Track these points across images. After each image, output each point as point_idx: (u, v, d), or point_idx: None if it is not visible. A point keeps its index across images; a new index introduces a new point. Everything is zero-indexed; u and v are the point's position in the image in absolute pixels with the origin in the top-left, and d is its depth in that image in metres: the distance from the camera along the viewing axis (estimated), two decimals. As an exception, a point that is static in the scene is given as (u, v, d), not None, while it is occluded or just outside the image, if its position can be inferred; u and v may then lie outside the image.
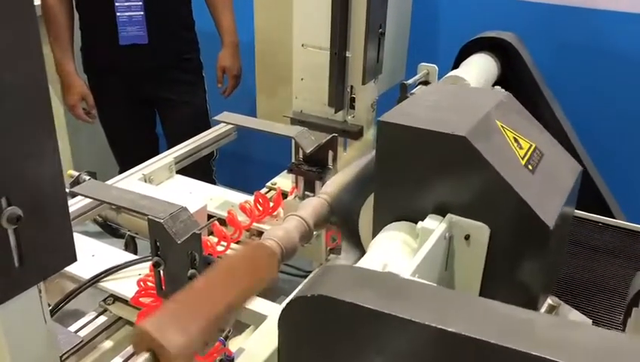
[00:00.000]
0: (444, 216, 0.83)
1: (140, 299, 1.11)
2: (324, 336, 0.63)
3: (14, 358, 0.73)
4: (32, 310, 0.74)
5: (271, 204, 1.42)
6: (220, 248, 1.23)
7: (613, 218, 1.48)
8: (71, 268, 1.11)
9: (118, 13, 2.03)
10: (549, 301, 0.74)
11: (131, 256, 1.25)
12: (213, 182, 2.21)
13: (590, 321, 1.01)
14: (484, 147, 0.78)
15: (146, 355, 0.62)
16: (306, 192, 1.43)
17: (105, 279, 1.18)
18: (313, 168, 1.40)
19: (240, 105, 2.07)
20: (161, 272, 1.02)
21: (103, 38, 2.09)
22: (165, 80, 2.20)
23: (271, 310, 1.08)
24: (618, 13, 2.06)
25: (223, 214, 1.37)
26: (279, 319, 0.65)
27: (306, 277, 1.24)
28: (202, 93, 2.33)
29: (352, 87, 1.65)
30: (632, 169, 2.19)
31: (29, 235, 0.67)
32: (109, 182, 1.47)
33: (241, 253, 0.84)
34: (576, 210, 1.30)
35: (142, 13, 2.04)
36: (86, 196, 1.20)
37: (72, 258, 0.76)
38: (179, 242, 0.96)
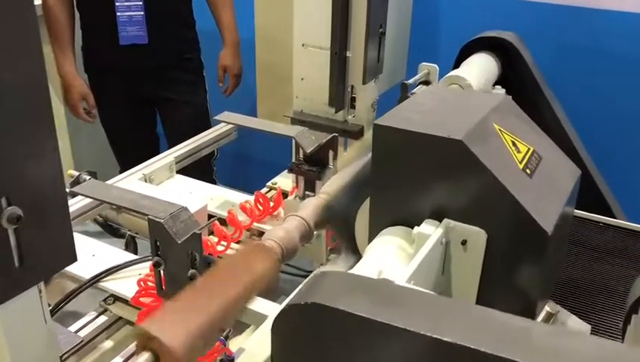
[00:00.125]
0: (440, 221, 0.82)
1: (141, 299, 1.11)
2: (317, 344, 0.62)
3: (14, 358, 0.73)
4: (32, 310, 0.74)
5: (271, 204, 1.42)
6: (220, 248, 1.23)
7: (614, 218, 1.48)
8: (71, 268, 1.11)
9: (118, 13, 2.03)
10: (547, 308, 0.73)
11: (131, 256, 1.25)
12: (213, 182, 2.22)
13: (589, 327, 1.00)
14: (481, 151, 0.77)
15: (146, 355, 0.62)
16: (307, 192, 1.43)
17: (105, 279, 1.18)
18: (314, 168, 1.40)
19: (240, 104, 2.07)
20: (162, 272, 1.02)
21: (104, 38, 2.09)
22: (166, 80, 2.20)
23: (271, 310, 1.07)
24: (619, 13, 2.06)
25: (224, 214, 1.37)
26: (272, 326, 0.64)
27: (306, 277, 1.24)
28: (203, 92, 2.33)
29: (352, 86, 1.65)
30: (633, 169, 2.19)
31: (29, 235, 0.67)
32: (109, 182, 1.46)
33: (242, 253, 0.84)
34: (576, 210, 1.30)
35: (142, 13, 2.04)
36: (86, 196, 1.20)
37: (73, 258, 0.75)
38: (179, 242, 0.96)
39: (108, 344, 1.14)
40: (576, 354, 0.52)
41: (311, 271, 1.22)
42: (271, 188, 1.59)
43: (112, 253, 1.27)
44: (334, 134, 1.44)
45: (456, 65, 1.72)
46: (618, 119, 2.17)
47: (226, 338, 1.04)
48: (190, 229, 0.97)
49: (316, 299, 0.60)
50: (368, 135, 1.68)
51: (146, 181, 1.54)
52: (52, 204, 0.70)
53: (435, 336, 0.53)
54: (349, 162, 1.03)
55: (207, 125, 2.06)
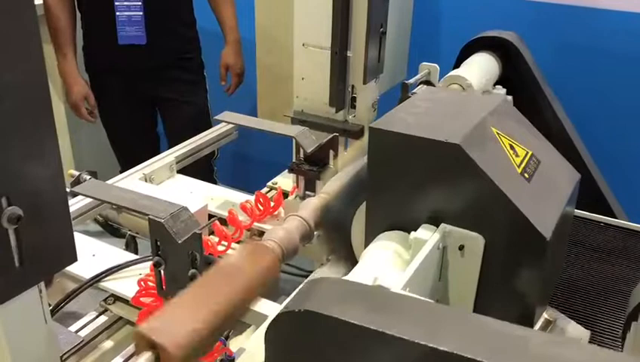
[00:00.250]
0: (437, 226, 0.81)
1: (141, 299, 1.11)
2: (310, 352, 0.61)
3: (15, 358, 0.73)
4: (32, 310, 0.74)
5: (272, 204, 1.42)
6: (220, 248, 1.23)
7: (615, 218, 1.47)
8: (71, 268, 1.11)
9: (117, 13, 2.03)
10: (546, 315, 0.72)
11: (132, 256, 1.25)
12: (214, 182, 2.22)
13: (589, 333, 0.99)
14: (479, 155, 0.76)
15: (146, 355, 0.62)
16: (307, 192, 1.43)
17: (105, 279, 1.18)
18: (314, 168, 1.40)
19: (241, 104, 2.07)
20: (162, 272, 1.02)
21: (103, 38, 2.10)
22: (166, 79, 2.20)
23: (271, 310, 1.07)
24: (619, 13, 2.06)
25: (224, 214, 1.37)
26: (266, 334, 0.64)
27: (306, 276, 1.24)
28: (203, 92, 2.33)
29: (352, 86, 1.65)
30: (634, 168, 2.19)
31: (30, 235, 0.67)
32: (109, 182, 1.46)
33: (242, 253, 0.84)
34: (577, 210, 1.30)
35: (141, 13, 2.04)
36: (87, 196, 1.20)
37: (73, 258, 0.75)
38: (179, 242, 0.96)
39: (108, 344, 1.14)
40: (573, 363, 0.51)
41: (311, 271, 1.23)
42: (271, 188, 1.59)
43: (112, 252, 1.27)
44: (335, 134, 1.44)
45: (457, 65, 1.71)
46: (619, 118, 2.17)
47: (227, 338, 1.04)
48: (190, 229, 0.97)
49: (310, 307, 0.59)
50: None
51: (146, 181, 1.54)
52: (52, 204, 0.70)
53: (430, 345, 0.53)
54: (349, 162, 1.02)
55: (207, 125, 2.06)
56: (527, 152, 0.87)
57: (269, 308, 1.08)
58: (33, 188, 0.67)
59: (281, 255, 0.90)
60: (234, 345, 1.05)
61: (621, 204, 1.72)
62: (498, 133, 0.86)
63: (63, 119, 2.51)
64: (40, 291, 0.74)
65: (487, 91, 1.69)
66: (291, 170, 1.44)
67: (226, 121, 1.66)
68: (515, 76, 1.74)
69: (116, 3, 2.02)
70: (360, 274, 0.80)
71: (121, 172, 1.61)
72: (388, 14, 1.62)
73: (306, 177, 1.42)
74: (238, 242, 1.29)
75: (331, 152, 1.40)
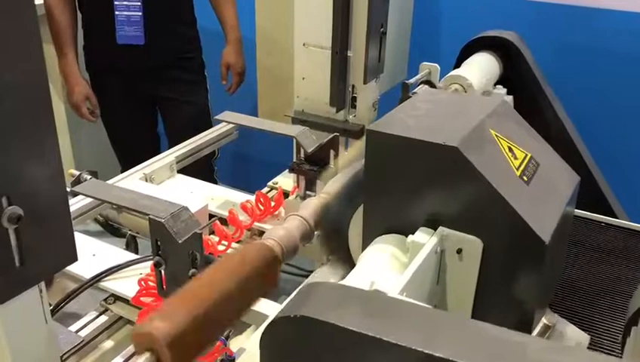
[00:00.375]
0: (435, 229, 0.80)
1: (141, 299, 1.11)
2: (306, 358, 0.61)
3: (15, 358, 0.73)
4: (32, 309, 0.74)
5: (272, 204, 1.42)
6: (221, 247, 1.23)
7: (616, 218, 1.47)
8: (72, 268, 1.11)
9: (116, 12, 2.03)
10: (545, 320, 0.71)
11: (132, 256, 1.25)
12: (214, 182, 2.22)
13: (588, 337, 0.98)
14: (477, 158, 0.75)
15: (146, 355, 0.62)
16: (308, 192, 1.42)
17: (106, 278, 1.18)
18: (314, 168, 1.40)
19: (241, 104, 2.07)
20: (162, 272, 1.02)
21: (103, 37, 2.10)
22: (165, 79, 2.20)
23: (272, 310, 1.07)
24: (620, 13, 2.05)
25: (224, 213, 1.37)
26: (261, 339, 0.63)
27: (307, 276, 1.24)
28: (204, 92, 2.33)
29: (353, 86, 1.65)
30: (634, 168, 2.18)
31: (30, 235, 0.67)
32: (110, 182, 1.46)
33: (242, 252, 0.84)
34: (578, 210, 1.30)
35: (140, 13, 2.04)
36: (87, 195, 1.20)
37: (73, 257, 0.75)
38: (180, 242, 0.96)
39: (108, 344, 1.14)
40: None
41: (311, 271, 1.23)
42: (272, 188, 1.59)
43: (112, 252, 1.27)
44: (335, 134, 1.44)
45: (458, 65, 1.71)
46: (619, 118, 2.17)
47: (227, 338, 1.04)
48: (191, 229, 0.97)
49: (306, 312, 0.58)
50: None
51: (146, 180, 1.54)
52: (52, 204, 0.70)
53: (427, 352, 0.52)
54: (349, 162, 1.02)
55: (208, 125, 2.06)
56: (526, 155, 0.86)
57: (269, 308, 1.08)
58: (33, 187, 0.67)
59: (281, 254, 0.90)
60: (234, 344, 1.05)
61: (622, 204, 1.72)
62: (497, 136, 0.85)
63: (63, 119, 2.51)
64: (40, 291, 0.74)
65: (488, 91, 1.69)
66: (292, 170, 1.44)
67: (226, 121, 1.66)
68: (515, 76, 1.74)
69: (115, 3, 2.02)
70: (357, 279, 0.79)
71: (121, 172, 1.61)
72: (388, 14, 1.62)
73: (306, 177, 1.42)
74: (238, 242, 1.29)
75: (332, 152, 1.40)
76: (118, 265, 1.19)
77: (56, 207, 0.71)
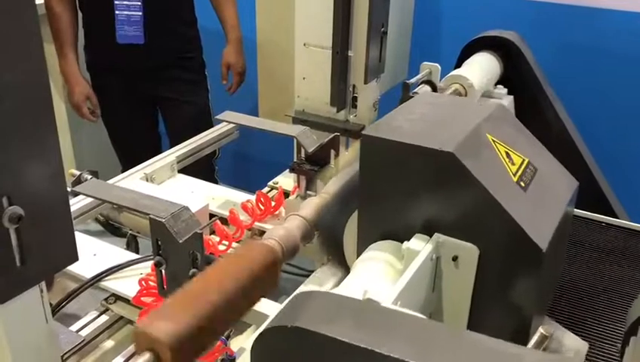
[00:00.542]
0: (431, 236, 0.79)
1: (142, 299, 1.11)
2: None
3: (15, 357, 0.73)
4: (33, 309, 0.74)
5: (272, 204, 1.42)
6: (221, 247, 1.23)
7: (616, 218, 1.47)
8: (72, 268, 1.11)
9: (116, 12, 2.03)
10: (542, 330, 0.70)
11: (133, 256, 1.25)
12: (215, 182, 2.21)
13: (587, 344, 0.97)
14: (473, 163, 0.74)
15: (147, 355, 0.62)
16: (308, 191, 1.42)
17: (106, 278, 1.18)
18: (315, 167, 1.40)
19: (242, 104, 2.07)
20: (163, 272, 1.02)
21: (103, 37, 2.10)
22: (166, 79, 2.20)
23: (272, 309, 1.07)
24: (621, 13, 2.05)
25: (225, 213, 1.37)
26: (252, 349, 0.62)
27: (307, 276, 1.24)
28: (204, 92, 2.33)
29: (354, 86, 1.65)
30: (635, 168, 2.18)
31: (31, 235, 0.67)
32: (110, 181, 1.46)
33: (242, 252, 0.84)
34: (578, 210, 1.30)
35: (140, 13, 2.04)
36: (87, 195, 1.20)
37: (74, 257, 0.75)
38: (180, 241, 0.96)
39: (109, 343, 1.14)
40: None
41: (312, 271, 1.23)
42: (272, 188, 1.59)
43: (113, 252, 1.27)
44: (336, 134, 1.44)
45: (458, 65, 1.71)
46: (620, 118, 2.17)
47: (227, 337, 1.04)
48: (191, 229, 0.97)
49: (297, 323, 0.58)
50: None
51: (147, 180, 1.54)
52: (53, 204, 0.70)
53: None
54: (349, 163, 1.02)
55: (208, 124, 2.06)
56: (524, 160, 0.85)
57: (269, 308, 1.08)
58: (34, 187, 0.67)
59: (281, 254, 0.90)
60: (235, 344, 1.05)
61: (622, 204, 1.72)
62: (494, 140, 0.84)
63: (64, 118, 2.51)
64: (41, 291, 0.74)
65: (489, 91, 1.69)
66: (292, 170, 1.44)
67: (227, 121, 1.66)
68: (516, 76, 1.74)
69: (116, 2, 2.02)
70: (350, 287, 0.78)
71: (122, 171, 1.61)
72: (389, 14, 1.62)
73: (307, 177, 1.42)
74: (238, 241, 1.29)
75: (332, 152, 1.40)
76: (119, 265, 1.19)
77: (57, 207, 0.71)
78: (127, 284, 1.16)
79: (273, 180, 1.61)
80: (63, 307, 1.13)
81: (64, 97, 2.32)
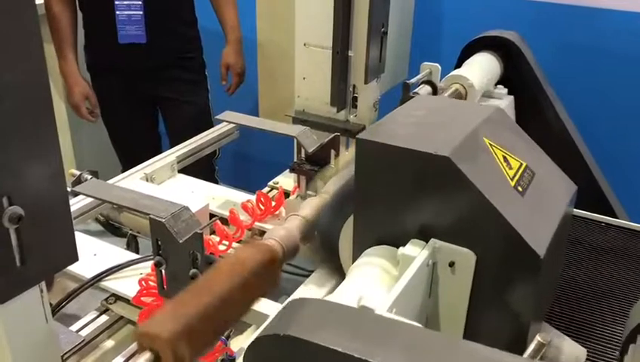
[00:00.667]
0: (427, 241, 0.78)
1: (142, 299, 1.11)
2: None
3: (15, 358, 0.73)
4: (33, 309, 0.74)
5: (273, 204, 1.42)
6: (221, 247, 1.23)
7: (616, 218, 1.47)
8: (72, 268, 1.11)
9: (117, 12, 2.03)
10: (539, 338, 0.69)
11: (133, 256, 1.25)
12: (215, 182, 2.21)
13: (585, 351, 0.96)
14: (469, 168, 0.73)
15: (147, 355, 0.62)
16: (308, 191, 1.42)
17: (106, 278, 1.17)
18: (315, 167, 1.40)
19: (242, 104, 2.07)
20: (163, 272, 1.02)
21: (104, 37, 2.10)
22: (166, 79, 2.20)
23: (272, 309, 1.07)
24: (621, 13, 2.05)
25: (225, 213, 1.37)
26: (244, 356, 0.62)
27: (307, 276, 1.24)
28: (205, 92, 2.33)
29: (354, 86, 1.65)
30: (635, 168, 2.18)
31: (31, 235, 0.67)
32: (110, 181, 1.46)
33: (243, 252, 0.84)
34: (578, 210, 1.30)
35: (141, 12, 2.04)
36: (88, 195, 1.20)
37: (74, 257, 0.75)
38: (180, 241, 0.95)
39: (109, 343, 1.14)
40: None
41: (312, 271, 1.22)
42: (272, 188, 1.59)
43: (113, 252, 1.27)
44: (336, 134, 1.44)
45: (459, 65, 1.71)
46: (620, 118, 2.17)
47: (228, 337, 1.03)
48: (191, 229, 0.97)
49: (290, 331, 0.57)
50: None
51: (147, 180, 1.54)
52: (53, 204, 0.70)
53: None
54: (349, 162, 1.02)
55: (208, 124, 2.06)
56: (522, 164, 0.84)
57: (269, 308, 1.08)
58: (34, 187, 0.67)
59: (282, 254, 0.90)
60: (235, 344, 1.05)
61: (623, 204, 1.72)
62: (491, 144, 0.83)
63: (64, 118, 2.51)
64: (41, 291, 0.74)
65: (489, 91, 1.69)
66: (292, 170, 1.44)
67: (227, 121, 1.66)
68: (516, 76, 1.74)
69: (116, 2, 2.02)
70: (345, 294, 0.77)
71: (122, 171, 1.61)
72: (389, 14, 1.61)
73: (307, 177, 1.42)
74: (239, 242, 1.29)
75: (332, 152, 1.40)
76: (119, 265, 1.19)
77: (57, 207, 0.71)
78: (127, 284, 1.16)
79: (273, 180, 1.61)
80: (63, 307, 1.12)
81: (64, 97, 2.32)
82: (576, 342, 0.99)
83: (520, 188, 0.79)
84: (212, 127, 1.86)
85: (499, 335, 0.77)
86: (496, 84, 1.72)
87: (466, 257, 0.76)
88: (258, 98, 2.35)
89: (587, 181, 1.68)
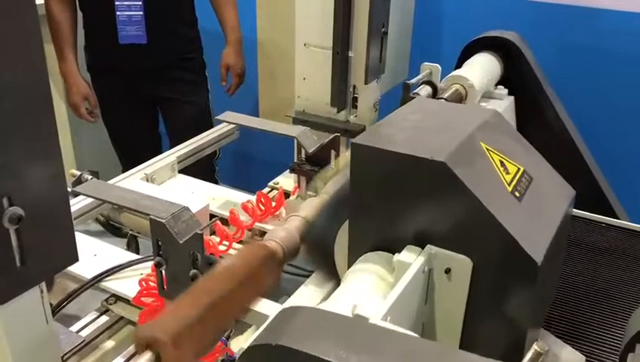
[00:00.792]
0: (423, 247, 0.77)
1: (142, 299, 1.11)
2: None
3: (16, 358, 0.73)
4: (33, 310, 0.74)
5: (273, 204, 1.42)
6: (222, 248, 1.23)
7: (616, 218, 1.47)
8: (73, 268, 1.11)
9: (117, 12, 2.03)
10: (536, 347, 0.68)
11: (133, 256, 1.25)
12: (215, 182, 2.21)
13: (583, 358, 0.96)
14: (466, 173, 0.72)
15: (148, 355, 0.62)
16: (308, 192, 1.42)
17: (107, 279, 1.17)
18: (315, 168, 1.40)
19: (242, 104, 2.07)
20: (163, 272, 1.02)
21: (104, 37, 2.10)
22: (166, 79, 2.20)
23: (273, 310, 1.07)
24: (621, 13, 2.05)
25: (225, 214, 1.37)
26: None
27: (307, 276, 1.24)
28: (205, 92, 2.33)
29: (354, 86, 1.65)
30: (636, 169, 2.18)
31: (31, 235, 0.67)
32: (111, 182, 1.46)
33: (243, 253, 0.84)
34: (578, 210, 1.30)
35: (141, 13, 2.04)
36: (88, 195, 1.20)
37: (74, 257, 0.75)
38: (181, 242, 0.95)
39: (109, 344, 1.14)
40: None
41: (312, 271, 1.22)
42: (273, 188, 1.59)
43: (113, 252, 1.27)
44: (336, 134, 1.44)
45: (459, 65, 1.71)
46: (620, 119, 2.17)
47: (228, 338, 1.03)
48: (192, 229, 0.97)
49: (282, 341, 0.57)
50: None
51: (147, 181, 1.54)
52: (53, 204, 0.70)
53: None
54: (349, 163, 1.02)
55: (209, 125, 2.06)
56: (519, 169, 0.83)
57: (269, 308, 1.08)
58: (34, 188, 0.67)
59: (282, 255, 0.90)
60: (235, 345, 1.05)
61: (623, 205, 1.72)
62: (488, 149, 0.82)
63: (64, 119, 2.51)
64: (41, 291, 0.74)
65: (489, 91, 1.69)
66: (293, 170, 1.44)
67: (227, 121, 1.65)
68: (516, 76, 1.74)
69: (117, 3, 2.02)
70: (339, 301, 0.76)
71: (122, 172, 1.61)
72: (389, 14, 1.62)
73: (307, 177, 1.42)
74: (239, 242, 1.29)
75: (333, 152, 1.40)
76: (119, 265, 1.19)
77: (57, 207, 0.71)
78: (127, 285, 1.16)
79: (273, 180, 1.61)
80: (63, 307, 1.12)
81: (65, 97, 2.32)
82: (575, 345, 0.98)
83: (517, 194, 0.79)
84: (212, 127, 1.86)
85: (496, 343, 0.76)
86: (496, 85, 1.72)
87: (462, 264, 0.75)
88: (258, 98, 2.35)
89: (587, 181, 1.68)
